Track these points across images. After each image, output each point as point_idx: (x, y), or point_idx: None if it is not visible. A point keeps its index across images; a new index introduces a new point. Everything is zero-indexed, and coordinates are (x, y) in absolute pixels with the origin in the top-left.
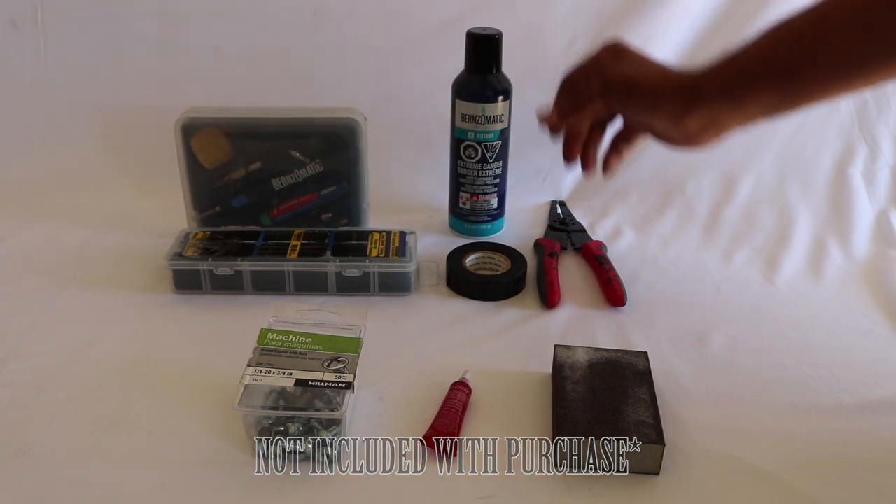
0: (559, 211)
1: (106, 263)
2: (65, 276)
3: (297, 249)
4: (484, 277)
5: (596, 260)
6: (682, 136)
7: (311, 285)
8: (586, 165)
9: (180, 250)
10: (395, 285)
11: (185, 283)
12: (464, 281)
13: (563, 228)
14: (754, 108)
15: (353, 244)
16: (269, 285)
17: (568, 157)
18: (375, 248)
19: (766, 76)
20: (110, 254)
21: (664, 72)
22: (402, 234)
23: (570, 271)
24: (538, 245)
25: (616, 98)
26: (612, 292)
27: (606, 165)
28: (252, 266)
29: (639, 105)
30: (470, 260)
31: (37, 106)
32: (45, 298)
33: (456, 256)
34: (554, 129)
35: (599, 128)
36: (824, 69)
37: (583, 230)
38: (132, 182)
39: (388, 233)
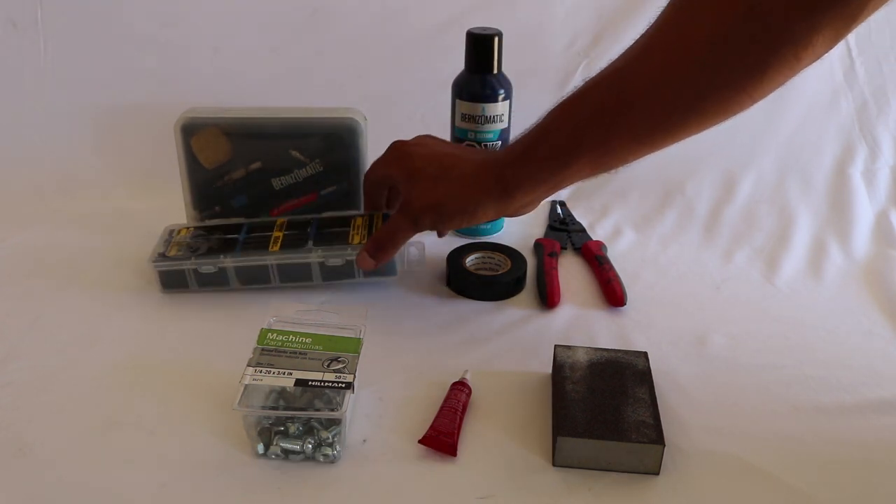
0: (559, 211)
1: (105, 264)
2: (64, 276)
3: (280, 241)
4: (484, 277)
5: (596, 260)
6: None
7: (295, 276)
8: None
9: (164, 250)
10: (380, 269)
11: (172, 282)
12: (464, 281)
13: (563, 228)
14: (570, 181)
15: (335, 231)
16: (253, 279)
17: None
18: (358, 234)
19: (579, 154)
20: (110, 254)
21: (468, 181)
22: (385, 217)
23: (570, 271)
24: (538, 245)
25: (429, 224)
26: (612, 292)
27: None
28: (235, 262)
29: (453, 224)
30: (470, 260)
31: (37, 106)
32: (45, 298)
33: (456, 256)
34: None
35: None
36: (632, 137)
37: (583, 230)
38: (132, 182)
39: (372, 216)
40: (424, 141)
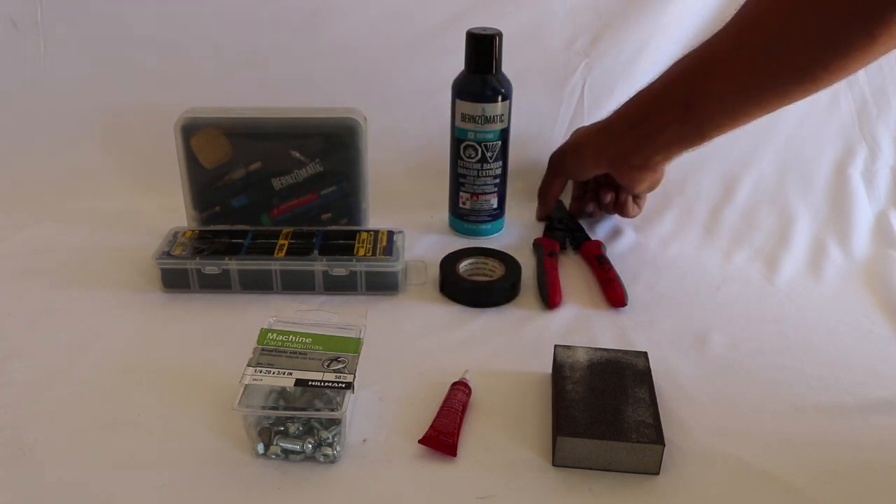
0: (558, 210)
1: (105, 264)
2: (65, 276)
3: (285, 248)
4: (477, 283)
5: (596, 259)
6: (621, 174)
7: (298, 284)
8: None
9: (168, 249)
10: (382, 284)
11: (173, 281)
12: (457, 287)
13: (561, 228)
14: (661, 141)
15: (340, 244)
16: (256, 284)
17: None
18: (363, 247)
19: (666, 108)
20: (110, 254)
21: (589, 130)
22: (390, 234)
23: (570, 271)
24: (537, 245)
25: (559, 166)
26: (612, 292)
27: (625, 210)
28: (239, 265)
29: (574, 163)
30: (463, 266)
31: (37, 106)
32: (45, 298)
33: (449, 262)
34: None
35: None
36: (717, 99)
37: (581, 230)
38: (132, 182)
39: (377, 232)
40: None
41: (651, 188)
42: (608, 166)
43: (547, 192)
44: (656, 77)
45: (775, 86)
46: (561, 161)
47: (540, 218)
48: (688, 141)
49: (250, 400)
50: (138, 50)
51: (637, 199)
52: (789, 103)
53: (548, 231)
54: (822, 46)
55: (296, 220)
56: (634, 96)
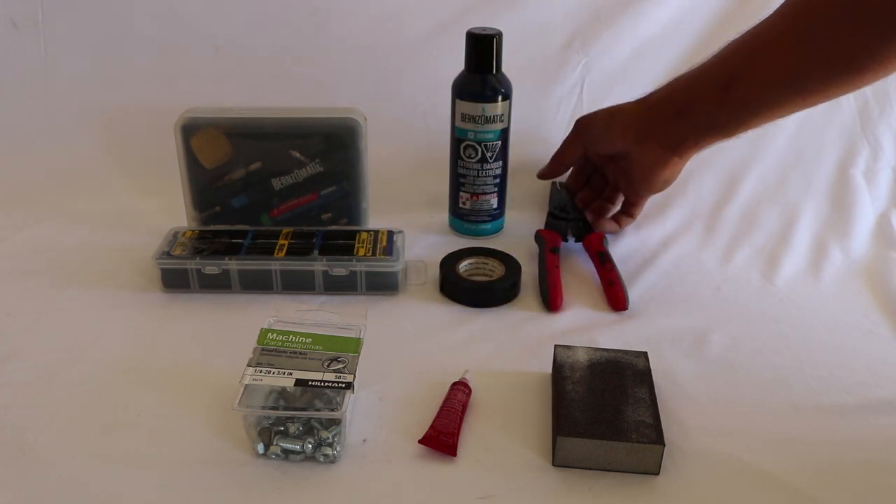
0: (559, 197)
1: (105, 263)
2: (65, 276)
3: (285, 248)
4: (477, 283)
5: (598, 256)
6: (644, 155)
7: (298, 284)
8: (594, 212)
9: (168, 249)
10: (382, 284)
11: (173, 281)
12: (457, 287)
13: (563, 217)
14: (694, 122)
15: (340, 244)
16: (256, 284)
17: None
18: (363, 247)
19: (704, 88)
20: (110, 254)
21: (626, 104)
22: (390, 234)
23: (572, 270)
24: (539, 238)
25: (584, 131)
26: (613, 296)
27: (602, 224)
28: (239, 265)
29: (601, 131)
30: (463, 266)
31: (37, 106)
32: (45, 298)
33: (449, 262)
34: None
35: (611, 191)
36: (757, 83)
37: (583, 219)
38: (132, 182)
39: (377, 232)
40: None
41: (663, 186)
42: (634, 142)
43: (561, 156)
44: (702, 60)
45: (819, 75)
46: (588, 125)
47: (541, 176)
48: (721, 128)
49: (250, 400)
50: (138, 50)
51: (634, 208)
52: (832, 97)
53: (550, 220)
54: (870, 34)
55: (296, 220)
56: (676, 77)
